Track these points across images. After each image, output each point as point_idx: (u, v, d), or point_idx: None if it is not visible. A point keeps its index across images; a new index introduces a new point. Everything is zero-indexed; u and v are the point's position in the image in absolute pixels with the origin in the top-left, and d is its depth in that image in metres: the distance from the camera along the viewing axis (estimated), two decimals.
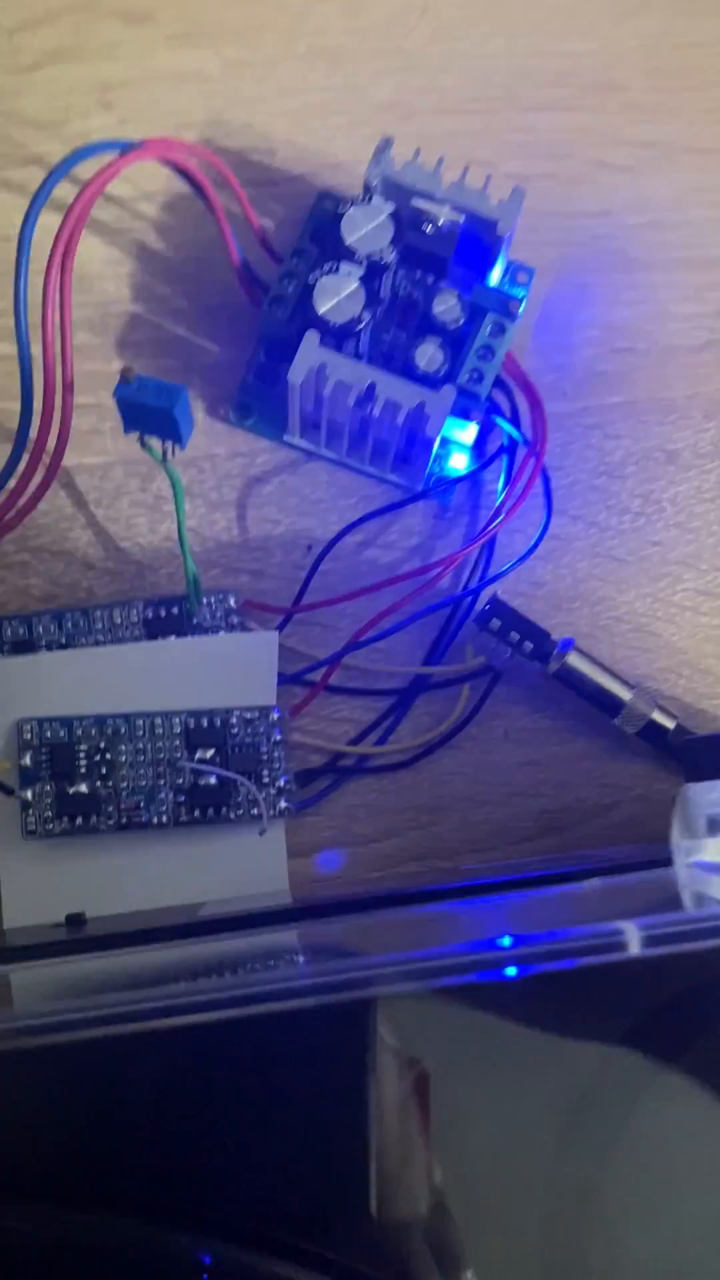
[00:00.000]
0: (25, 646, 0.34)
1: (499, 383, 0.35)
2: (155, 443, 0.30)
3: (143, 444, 0.30)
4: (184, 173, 0.31)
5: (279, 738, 0.34)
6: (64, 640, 0.34)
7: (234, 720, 0.34)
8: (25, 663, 0.33)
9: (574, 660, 0.34)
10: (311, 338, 0.32)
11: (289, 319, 0.35)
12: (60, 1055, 0.22)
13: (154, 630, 0.35)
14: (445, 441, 0.35)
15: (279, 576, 0.36)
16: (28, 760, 0.33)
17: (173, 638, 0.34)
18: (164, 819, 0.33)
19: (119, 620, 0.35)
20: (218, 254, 0.37)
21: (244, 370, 0.37)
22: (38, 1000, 0.25)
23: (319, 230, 0.36)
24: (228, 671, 0.34)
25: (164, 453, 0.30)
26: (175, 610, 0.35)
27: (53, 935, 0.28)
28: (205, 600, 0.35)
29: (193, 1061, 0.23)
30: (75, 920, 0.29)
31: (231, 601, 0.35)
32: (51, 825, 0.33)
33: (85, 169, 0.34)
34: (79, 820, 0.33)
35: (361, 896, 0.31)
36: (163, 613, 0.35)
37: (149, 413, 0.28)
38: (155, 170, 0.37)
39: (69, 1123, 0.23)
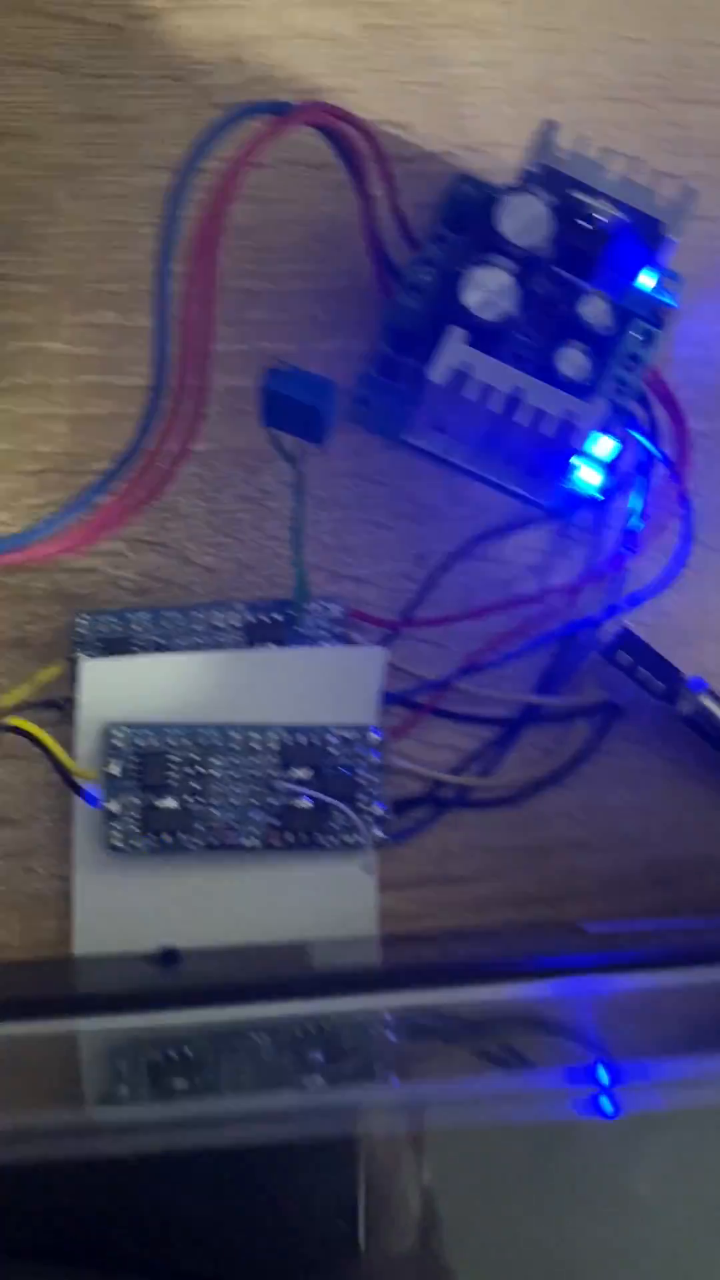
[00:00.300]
0: (119, 645, 0.31)
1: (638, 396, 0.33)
2: (288, 439, 0.27)
3: (272, 439, 0.27)
4: (336, 141, 0.28)
5: (377, 761, 0.32)
6: (160, 640, 0.32)
7: (331, 739, 0.32)
8: (119, 664, 0.31)
9: (707, 702, 0.31)
10: (457, 334, 0.30)
11: (422, 310, 0.32)
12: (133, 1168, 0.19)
13: (254, 636, 0.32)
14: (580, 455, 0.33)
15: (385, 586, 0.34)
16: (116, 769, 0.30)
17: (275, 647, 0.32)
18: (255, 842, 0.31)
19: (219, 622, 0.32)
20: (347, 232, 0.35)
21: (364, 361, 0.34)
22: (108, 1078, 0.22)
23: (457, 215, 0.33)
24: (329, 686, 0.32)
25: (298, 454, 0.27)
26: (277, 616, 0.32)
27: (136, 975, 0.25)
28: (309, 608, 0.32)
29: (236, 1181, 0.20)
30: (169, 957, 0.26)
31: (336, 610, 0.33)
32: (137, 842, 0.30)
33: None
34: (166, 838, 0.30)
35: (451, 964, 0.27)
36: (264, 618, 0.32)
37: (294, 408, 0.25)
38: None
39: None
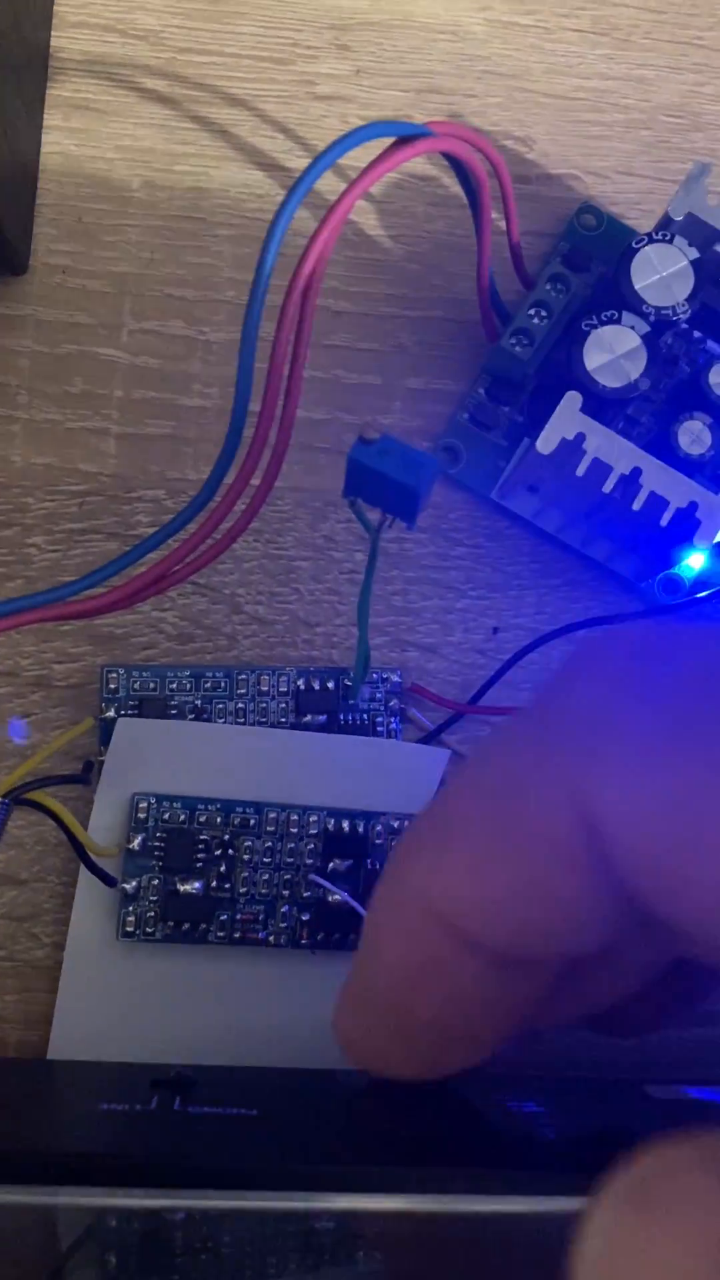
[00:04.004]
0: (154, 705, 0.28)
1: None
2: (371, 512, 0.24)
3: (353, 507, 0.24)
4: (460, 166, 0.25)
5: None
6: (199, 702, 0.28)
7: (379, 829, 0.28)
8: (155, 727, 0.27)
9: None
10: (573, 401, 0.26)
11: (529, 359, 0.29)
12: None
13: (304, 706, 0.29)
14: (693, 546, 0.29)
15: (454, 659, 0.30)
16: (136, 844, 0.27)
17: (326, 734, 0.28)
18: (280, 939, 0.28)
19: (265, 688, 0.29)
20: (451, 255, 0.31)
21: (456, 405, 0.30)
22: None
23: (578, 254, 0.30)
24: (382, 778, 0.28)
25: (380, 525, 0.24)
26: (331, 684, 0.29)
27: (136, 1118, 0.21)
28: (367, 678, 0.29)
29: None
30: (176, 1085, 0.23)
31: (396, 679, 0.29)
32: (152, 929, 0.27)
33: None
34: (186, 927, 0.27)
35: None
36: (316, 684, 0.29)
37: (386, 484, 0.22)
38: None
39: None
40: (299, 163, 0.31)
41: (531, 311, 0.29)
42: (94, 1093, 0.23)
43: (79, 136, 0.31)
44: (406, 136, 0.22)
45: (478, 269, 0.28)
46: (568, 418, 0.26)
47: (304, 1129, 0.21)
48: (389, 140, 0.23)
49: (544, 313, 0.29)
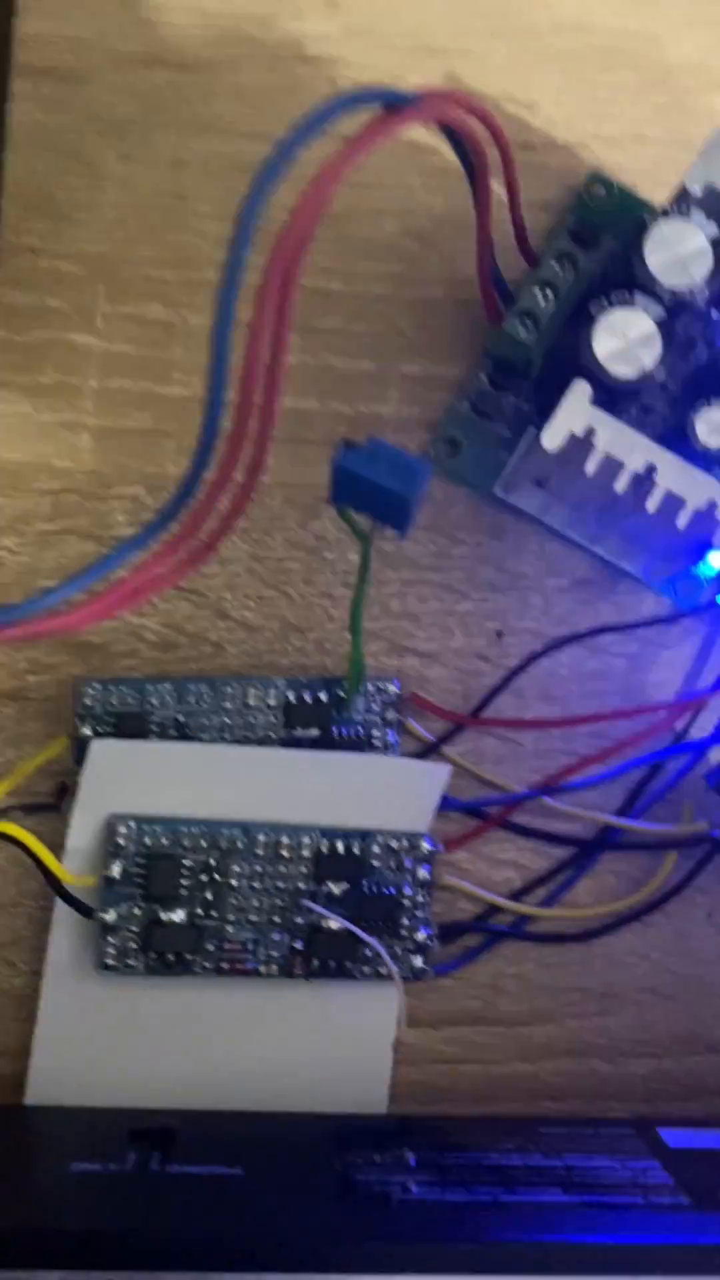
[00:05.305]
0: (135, 722, 0.26)
1: None
2: (361, 518, 0.22)
3: (342, 514, 0.22)
4: (455, 136, 0.22)
5: (426, 876, 0.27)
6: (183, 718, 0.26)
7: (375, 848, 0.26)
8: (134, 749, 0.26)
9: None
10: (581, 391, 0.24)
11: (534, 342, 0.27)
12: None
13: (294, 719, 0.27)
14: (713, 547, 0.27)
15: (455, 666, 0.29)
16: (116, 871, 0.25)
17: (316, 751, 0.26)
18: (273, 969, 0.26)
19: (253, 701, 0.27)
20: (448, 231, 0.29)
21: (455, 393, 0.28)
22: None
23: (588, 227, 0.27)
24: (378, 794, 0.26)
25: (372, 531, 0.22)
26: (323, 695, 0.27)
27: (116, 1178, 0.19)
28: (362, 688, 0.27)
29: None
30: (161, 1135, 0.21)
31: (393, 689, 0.27)
32: (134, 961, 0.25)
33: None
34: (170, 958, 0.26)
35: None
36: (307, 696, 0.27)
37: (375, 491, 0.20)
38: None
39: None
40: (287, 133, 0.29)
41: (537, 291, 0.27)
42: (68, 1149, 0.21)
43: (49, 106, 0.29)
44: (393, 104, 0.20)
45: (478, 245, 0.25)
46: (576, 410, 0.24)
47: (292, 1193, 0.20)
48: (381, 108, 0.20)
49: (550, 293, 0.27)
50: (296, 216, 0.19)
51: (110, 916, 0.25)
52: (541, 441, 0.23)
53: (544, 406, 0.28)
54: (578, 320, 0.25)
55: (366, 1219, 0.18)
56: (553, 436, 0.24)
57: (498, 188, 0.26)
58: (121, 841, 0.26)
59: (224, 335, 0.20)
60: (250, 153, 0.29)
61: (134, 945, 0.26)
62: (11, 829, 0.23)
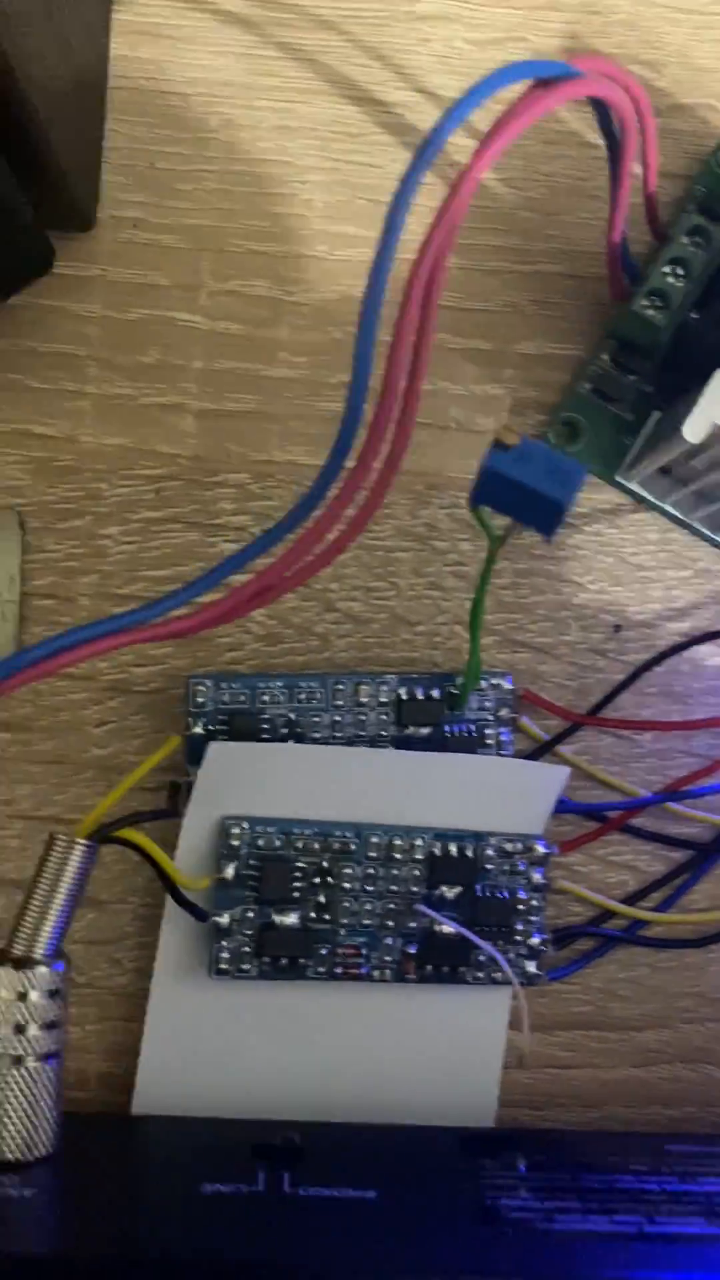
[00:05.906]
0: (245, 719, 0.25)
1: None
2: (499, 519, 0.21)
3: (476, 514, 0.21)
4: (599, 105, 0.21)
5: (541, 881, 0.26)
6: (293, 715, 0.26)
7: (489, 851, 0.26)
8: (250, 751, 0.25)
9: None
10: None
11: (664, 324, 0.25)
12: None
13: (405, 717, 0.26)
14: None
15: (571, 661, 0.27)
16: (230, 873, 0.25)
17: (431, 755, 0.25)
18: (386, 974, 0.25)
19: (364, 698, 0.26)
20: (571, 201, 0.27)
21: (575, 373, 0.27)
22: None
23: (715, 199, 0.26)
24: (494, 793, 0.26)
25: (507, 534, 0.21)
26: (435, 692, 0.26)
27: (238, 1203, 0.19)
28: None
29: None
30: (287, 1151, 0.20)
31: (506, 685, 0.26)
32: (248, 965, 0.25)
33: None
34: (283, 962, 0.25)
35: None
36: (420, 693, 0.26)
37: (525, 495, 0.19)
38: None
39: None
40: (398, 95, 0.27)
41: (667, 269, 0.25)
42: (193, 1167, 0.21)
43: (149, 69, 0.27)
44: (545, 79, 0.19)
45: (610, 222, 0.24)
46: None
47: (430, 1220, 0.19)
48: (525, 83, 0.19)
49: (681, 271, 0.25)
50: (447, 205, 0.18)
51: (224, 920, 0.25)
52: (684, 433, 0.22)
53: (667, 388, 0.26)
54: (711, 299, 0.24)
55: (516, 1254, 0.18)
56: (697, 427, 0.22)
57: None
58: (235, 843, 0.25)
59: (371, 320, 0.18)
60: (358, 116, 0.28)
61: (248, 949, 0.25)
62: (135, 836, 0.22)
